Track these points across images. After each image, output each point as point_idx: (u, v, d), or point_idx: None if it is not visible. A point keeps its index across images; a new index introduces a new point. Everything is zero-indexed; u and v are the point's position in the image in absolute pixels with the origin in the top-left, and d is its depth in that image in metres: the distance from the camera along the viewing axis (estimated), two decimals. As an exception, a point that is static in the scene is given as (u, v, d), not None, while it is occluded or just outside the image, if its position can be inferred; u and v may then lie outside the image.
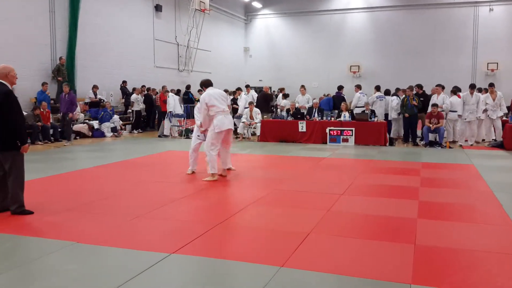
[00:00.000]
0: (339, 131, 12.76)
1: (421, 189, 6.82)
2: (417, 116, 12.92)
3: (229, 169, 7.95)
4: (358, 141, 12.60)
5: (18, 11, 13.48)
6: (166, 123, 15.15)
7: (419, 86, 13.77)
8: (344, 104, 13.85)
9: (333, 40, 26.39)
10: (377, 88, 14.89)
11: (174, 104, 15.03)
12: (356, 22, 26.23)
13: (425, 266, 3.79)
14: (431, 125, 12.34)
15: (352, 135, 12.63)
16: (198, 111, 7.76)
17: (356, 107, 14.45)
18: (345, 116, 13.28)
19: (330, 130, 12.81)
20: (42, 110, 12.91)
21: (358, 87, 15.15)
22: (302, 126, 13.22)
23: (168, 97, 15.14)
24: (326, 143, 12.81)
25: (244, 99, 15.04)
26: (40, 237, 4.47)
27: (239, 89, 16.13)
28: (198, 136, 7.97)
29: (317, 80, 25.93)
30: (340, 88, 16.05)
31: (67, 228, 4.84)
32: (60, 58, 14.68)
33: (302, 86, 15.85)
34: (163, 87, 16.96)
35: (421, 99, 13.23)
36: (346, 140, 12.68)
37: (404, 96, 13.01)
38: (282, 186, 7.08)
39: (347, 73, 25.79)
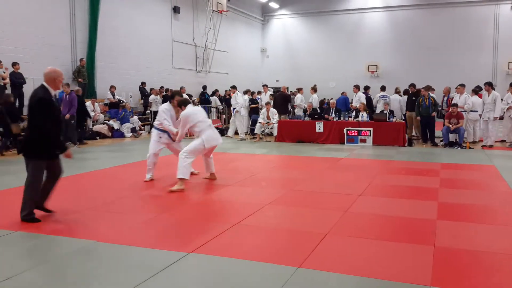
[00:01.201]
0: (356, 132, 12.67)
1: (441, 190, 6.73)
2: (434, 116, 12.74)
3: (212, 173, 7.48)
4: (376, 142, 12.49)
5: (40, 14, 13.75)
6: None
7: (413, 85, 13.75)
8: (361, 104, 13.76)
9: (351, 39, 26.23)
10: (382, 89, 15.10)
11: None
12: (374, 21, 26.02)
13: (444, 268, 3.74)
14: (450, 125, 12.16)
15: (370, 135, 12.53)
16: (166, 117, 7.25)
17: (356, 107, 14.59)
18: (363, 116, 13.18)
19: (347, 130, 12.73)
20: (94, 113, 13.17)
21: (357, 87, 15.19)
22: (319, 126, 13.16)
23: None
24: (343, 143, 12.74)
25: (242, 98, 15.22)
26: (61, 235, 4.55)
27: (234, 87, 15.84)
28: (160, 137, 7.42)
29: (334, 80, 25.80)
30: (367, 88, 15.97)
31: (87, 227, 4.92)
32: (81, 60, 14.94)
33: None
34: (181, 88, 17.09)
35: (413, 98, 13.18)
36: (364, 141, 12.58)
37: (419, 96, 12.88)
38: (299, 186, 7.07)
39: (365, 73, 25.60)
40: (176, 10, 20.23)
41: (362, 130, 12.63)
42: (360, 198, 6.19)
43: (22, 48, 13.10)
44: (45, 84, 4.99)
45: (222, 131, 15.82)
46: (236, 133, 15.09)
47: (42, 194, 5.17)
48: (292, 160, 10.22)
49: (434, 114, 12.60)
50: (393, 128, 12.58)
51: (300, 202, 6.09)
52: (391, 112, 13.17)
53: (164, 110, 7.34)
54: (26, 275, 3.56)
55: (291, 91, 20.89)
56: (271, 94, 16.08)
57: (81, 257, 4.00)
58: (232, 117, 15.16)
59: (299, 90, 16.30)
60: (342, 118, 13.59)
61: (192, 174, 7.34)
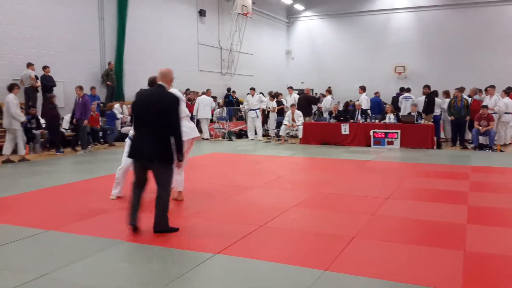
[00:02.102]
0: (383, 134, 12.51)
1: (471, 194, 6.58)
2: (465, 118, 12.45)
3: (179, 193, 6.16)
4: (404, 144, 12.31)
5: (70, 19, 14.11)
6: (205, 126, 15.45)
7: (427, 87, 13.57)
8: (389, 106, 13.60)
9: (377, 40, 25.92)
10: (407, 90, 15.30)
11: (197, 107, 15.26)
12: (401, 22, 25.64)
13: (475, 273, 3.66)
14: (480, 127, 11.88)
15: (397, 137, 12.36)
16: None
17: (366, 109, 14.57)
18: (390, 118, 13.01)
19: (374, 132, 12.59)
20: (92, 113, 13.42)
21: (363, 89, 15.06)
22: (345, 128, 13.06)
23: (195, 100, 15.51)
24: (370, 145, 12.60)
25: (266, 99, 15.49)
26: (92, 235, 4.66)
27: (252, 88, 16.05)
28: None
29: (360, 81, 25.47)
30: (403, 90, 15.80)
31: (115, 227, 5.02)
32: (109, 63, 15.24)
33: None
34: (207, 90, 17.22)
35: (426, 100, 12.97)
36: (391, 143, 12.42)
37: (452, 97, 12.64)
38: (324, 189, 7.03)
39: (392, 74, 25.25)
40: (202, 13, 20.43)
41: (389, 132, 12.47)
42: (387, 201, 6.11)
43: (53, 52, 13.46)
44: (163, 84, 4.71)
45: (246, 133, 15.90)
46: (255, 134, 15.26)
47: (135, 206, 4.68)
48: (318, 162, 10.17)
49: (468, 118, 12.31)
50: (421, 130, 12.38)
51: (326, 205, 6.06)
52: (419, 113, 12.96)
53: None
54: (58, 273, 3.66)
55: (315, 93, 20.82)
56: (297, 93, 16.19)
57: (108, 257, 4.08)
58: (249, 119, 15.25)
59: (329, 90, 16.17)
60: (369, 120, 13.41)
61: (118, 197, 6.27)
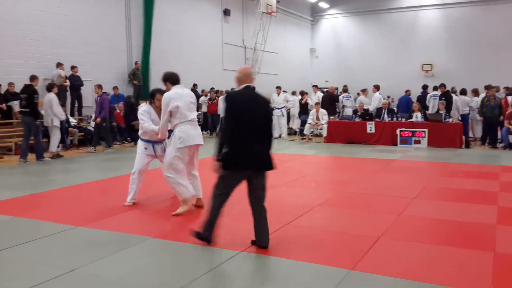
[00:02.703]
0: (410, 133, 12.31)
1: (501, 194, 6.41)
2: (498, 118, 12.12)
3: (199, 199, 5.80)
4: (431, 143, 12.08)
5: (98, 19, 14.39)
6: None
7: (443, 85, 13.30)
8: (416, 105, 13.37)
9: (404, 38, 25.48)
10: (424, 88, 15.51)
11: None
12: (428, 19, 25.15)
13: (506, 275, 3.56)
14: (510, 126, 11.55)
15: (424, 136, 12.14)
16: (145, 115, 5.82)
17: (377, 108, 14.39)
18: (417, 116, 12.79)
19: (400, 131, 12.40)
20: (118, 111, 13.67)
21: (376, 87, 14.91)
22: (370, 127, 12.91)
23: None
24: (396, 144, 12.42)
25: (292, 98, 15.67)
26: (119, 231, 4.74)
27: (278, 87, 16.12)
28: (146, 149, 5.90)
29: (386, 80, 25.16)
30: (425, 87, 15.56)
31: (144, 223, 5.11)
32: (136, 63, 15.48)
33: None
34: (232, 89, 17.28)
35: (443, 99, 12.67)
36: (418, 142, 12.21)
37: (484, 96, 12.37)
38: (350, 188, 6.97)
39: (419, 72, 24.78)
40: (226, 13, 20.52)
41: (416, 131, 12.26)
42: (414, 201, 6.01)
43: (82, 52, 13.76)
44: (252, 85, 4.38)
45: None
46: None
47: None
48: (343, 161, 10.08)
49: (502, 118, 12.00)
50: (449, 129, 12.13)
51: (351, 204, 6.00)
52: (448, 112, 12.70)
53: (142, 112, 5.87)
54: (87, 268, 3.74)
55: (340, 92, 20.61)
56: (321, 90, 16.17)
57: (136, 253, 4.15)
58: (274, 117, 15.26)
59: (363, 91, 15.98)
60: (397, 119, 13.21)
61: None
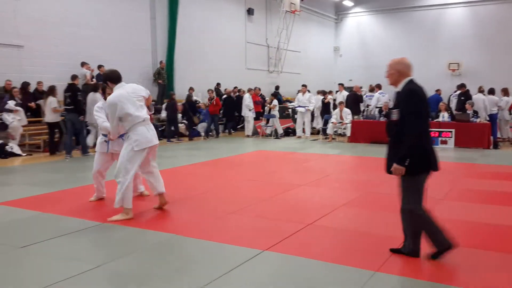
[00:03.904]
0: (437, 133, 12.08)
1: (532, 197, 6.23)
2: None
3: (161, 194, 5.57)
4: (458, 143, 11.84)
5: (123, 19, 14.61)
6: (250, 124, 15.56)
7: (463, 85, 13.02)
8: (442, 104, 13.13)
9: (430, 36, 25.01)
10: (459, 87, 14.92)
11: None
12: (455, 17, 24.63)
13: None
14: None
15: (451, 136, 11.89)
16: (100, 111, 5.74)
17: (376, 107, 14.28)
18: (444, 116, 12.55)
19: (426, 131, 12.17)
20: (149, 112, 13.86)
21: (378, 87, 14.64)
22: (395, 127, 12.71)
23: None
24: (421, 144, 12.19)
25: (315, 98, 15.39)
26: (144, 228, 4.81)
27: (304, 86, 15.89)
28: (106, 142, 5.81)
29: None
30: (461, 86, 15.28)
31: (168, 221, 5.16)
32: (160, 62, 15.66)
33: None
34: (255, 88, 17.31)
35: (462, 98, 12.36)
36: (444, 142, 11.97)
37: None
38: (374, 188, 6.89)
39: (446, 71, 24.29)
40: (250, 12, 20.55)
41: (443, 131, 12.03)
42: (441, 203, 5.90)
43: (107, 51, 13.99)
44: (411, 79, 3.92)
45: (293, 131, 15.85)
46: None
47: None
48: (367, 161, 9.97)
49: None
50: (477, 129, 11.86)
51: (376, 205, 5.93)
52: (475, 112, 12.41)
53: (97, 108, 5.81)
54: (113, 265, 3.80)
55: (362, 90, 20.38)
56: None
57: (162, 250, 4.20)
58: (299, 115, 15.18)
59: (377, 87, 15.83)
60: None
61: (142, 195, 6.22)
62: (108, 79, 5.24)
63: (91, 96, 10.59)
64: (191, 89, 16.66)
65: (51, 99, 10.60)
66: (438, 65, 24.25)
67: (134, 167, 5.10)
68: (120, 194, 5.06)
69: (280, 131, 15.36)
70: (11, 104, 10.54)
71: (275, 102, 15.65)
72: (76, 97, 10.27)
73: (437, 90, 16.17)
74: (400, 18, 26.06)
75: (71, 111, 10.22)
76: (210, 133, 15.33)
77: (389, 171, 3.86)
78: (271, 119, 15.39)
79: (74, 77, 10.72)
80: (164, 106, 15.17)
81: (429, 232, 3.83)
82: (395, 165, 3.72)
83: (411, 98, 3.71)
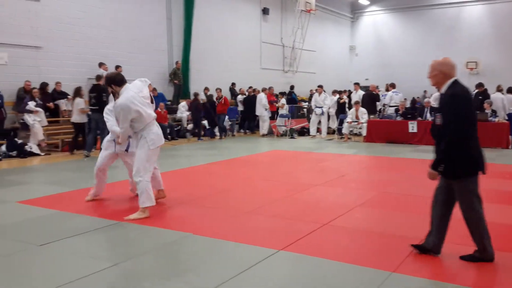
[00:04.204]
0: (453, 132, 11.90)
1: (553, 198, 6.11)
2: None
3: (160, 190, 5.91)
4: (476, 143, 11.65)
5: (140, 20, 14.75)
6: (267, 123, 15.57)
7: (481, 85, 13.01)
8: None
9: (447, 35, 24.70)
10: (477, 86, 14.56)
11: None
12: (473, 15, 24.28)
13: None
14: None
15: (469, 136, 11.71)
16: (111, 115, 5.78)
17: (390, 106, 14.13)
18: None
19: (443, 131, 12.01)
20: (159, 110, 13.96)
21: (392, 86, 14.76)
22: (412, 126, 12.59)
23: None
24: (439, 144, 12.04)
25: (329, 99, 15.25)
26: (159, 227, 4.85)
27: (320, 86, 15.90)
28: (110, 142, 5.91)
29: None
30: (479, 86, 15.08)
31: (183, 220, 5.20)
32: (176, 63, 15.76)
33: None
34: (270, 88, 17.30)
35: (480, 97, 12.15)
36: (461, 142, 11.80)
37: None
38: (390, 188, 6.83)
39: (463, 70, 23.92)
40: (265, 11, 20.54)
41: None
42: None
43: (125, 52, 14.14)
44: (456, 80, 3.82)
45: (308, 131, 15.79)
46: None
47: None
48: (383, 161, 9.89)
49: None
50: (495, 129, 11.65)
51: (392, 205, 5.88)
52: (493, 111, 12.20)
53: (107, 110, 5.92)
54: (129, 263, 3.84)
55: (380, 90, 20.21)
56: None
57: (177, 248, 4.24)
58: (314, 115, 15.14)
59: (392, 86, 15.71)
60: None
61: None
62: (112, 83, 5.22)
63: (111, 96, 10.75)
64: (206, 89, 16.74)
65: (78, 100, 10.82)
66: (456, 64, 23.89)
67: (152, 165, 5.24)
68: (145, 193, 5.13)
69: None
70: (31, 105, 10.73)
71: (283, 101, 15.62)
72: (101, 97, 10.38)
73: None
74: (417, 16, 25.78)
75: (96, 111, 10.32)
76: (217, 134, 15.28)
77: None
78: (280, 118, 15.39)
79: (98, 77, 10.85)
80: (180, 105, 15.32)
81: (480, 237, 3.79)
82: (429, 169, 3.70)
83: (454, 102, 3.62)
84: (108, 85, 5.32)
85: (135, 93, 5.13)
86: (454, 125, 3.57)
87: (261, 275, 3.60)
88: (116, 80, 5.22)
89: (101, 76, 11.07)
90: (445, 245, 4.23)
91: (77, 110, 10.81)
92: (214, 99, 15.15)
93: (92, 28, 13.27)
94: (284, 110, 15.50)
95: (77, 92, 10.89)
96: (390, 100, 14.72)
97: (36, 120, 10.84)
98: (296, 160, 10.20)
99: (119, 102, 5.05)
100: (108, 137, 5.98)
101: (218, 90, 15.22)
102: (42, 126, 11.11)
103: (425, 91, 21.18)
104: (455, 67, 3.83)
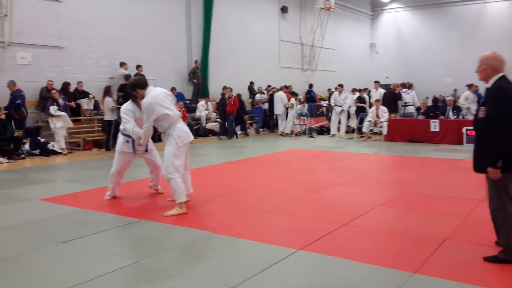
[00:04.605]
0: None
1: None
2: None
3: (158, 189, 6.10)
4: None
5: (160, 20, 14.88)
6: (284, 122, 15.54)
7: None
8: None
9: (470, 32, 24.22)
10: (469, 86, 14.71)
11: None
12: (496, 12, 23.75)
13: None
14: None
15: (492, 135, 11.46)
16: (130, 115, 5.74)
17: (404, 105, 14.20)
18: (485, 114, 12.11)
19: (467, 129, 11.79)
20: (179, 109, 14.05)
21: (403, 85, 14.82)
22: (434, 125, 12.38)
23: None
24: (462, 144, 11.83)
25: (350, 98, 15.22)
26: (179, 225, 4.88)
27: (340, 85, 15.81)
28: (127, 142, 5.89)
29: (450, 75, 24.07)
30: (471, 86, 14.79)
31: (203, 218, 5.22)
32: (195, 62, 15.84)
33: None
34: (289, 86, 17.24)
35: None
36: (485, 141, 11.55)
37: None
38: (412, 188, 6.72)
39: (486, 68, 23.46)
40: (284, 10, 20.48)
41: (483, 130, 11.60)
42: (483, 203, 5.66)
43: (145, 51, 14.28)
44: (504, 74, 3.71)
45: (327, 130, 15.69)
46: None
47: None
48: (404, 161, 9.75)
49: None
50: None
51: (414, 205, 5.78)
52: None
53: (125, 111, 5.78)
54: (150, 261, 3.87)
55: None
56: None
57: (197, 247, 4.25)
58: (334, 114, 15.02)
59: (410, 85, 15.49)
60: (463, 117, 12.60)
61: (157, 192, 6.35)
62: (136, 87, 5.38)
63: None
64: (224, 88, 16.77)
65: (107, 99, 11.04)
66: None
67: (181, 162, 5.28)
68: (178, 189, 5.21)
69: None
70: (52, 111, 10.74)
71: (293, 101, 15.49)
72: (128, 96, 10.52)
73: (475, 87, 15.63)
74: (439, 13, 25.36)
75: None
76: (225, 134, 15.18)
77: (476, 169, 3.79)
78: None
79: (127, 77, 11.14)
80: (199, 104, 15.38)
81: (506, 235, 3.68)
82: (489, 169, 3.59)
83: (499, 97, 3.56)
84: (133, 90, 5.44)
85: (160, 93, 5.27)
86: (497, 120, 3.51)
87: (281, 274, 3.58)
88: (139, 84, 5.39)
89: (129, 76, 11.27)
90: (468, 246, 4.15)
91: (107, 109, 11.03)
92: (226, 98, 14.65)
93: (113, 28, 13.44)
94: (293, 111, 15.38)
95: (107, 91, 11.09)
96: (413, 99, 14.48)
97: (57, 126, 10.77)
98: (315, 159, 10.14)
99: (145, 101, 5.19)
100: (121, 139, 5.92)
101: (228, 89, 14.73)
102: (68, 128, 11.22)
103: (455, 90, 20.75)
104: (505, 62, 3.74)
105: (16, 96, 10.61)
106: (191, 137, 5.45)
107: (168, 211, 5.26)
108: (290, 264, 3.78)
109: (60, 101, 11.08)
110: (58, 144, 10.88)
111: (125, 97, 10.57)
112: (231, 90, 14.68)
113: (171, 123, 5.23)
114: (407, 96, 14.50)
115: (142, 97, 5.33)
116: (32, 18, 11.60)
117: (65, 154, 10.76)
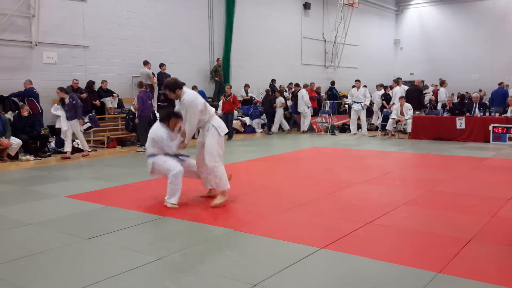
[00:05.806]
0: (504, 129, 11.37)
1: None
2: None
3: (213, 189, 5.95)
4: (529, 140, 11.08)
5: (183, 19, 14.99)
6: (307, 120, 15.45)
7: None
8: (511, 99, 12.33)
9: (497, 27, 23.58)
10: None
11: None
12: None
13: None
14: None
15: (521, 133, 11.15)
16: (166, 144, 5.60)
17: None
18: (513, 111, 11.80)
19: (493, 127, 11.50)
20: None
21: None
22: (460, 122, 12.12)
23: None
24: (489, 141, 11.55)
25: (374, 93, 15.19)
26: (203, 223, 4.90)
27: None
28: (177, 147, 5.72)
29: (478, 71, 23.51)
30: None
31: (225, 216, 5.23)
32: (217, 60, 15.90)
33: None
34: (311, 83, 17.13)
35: None
36: (513, 139, 11.25)
37: None
38: (437, 187, 6.60)
39: (515, 63, 22.83)
40: (306, 6, 20.35)
41: (511, 127, 11.30)
42: (510, 202, 5.54)
43: (168, 50, 14.42)
44: None
45: (349, 128, 15.53)
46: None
47: None
48: (429, 159, 9.57)
49: None
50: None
51: (439, 204, 5.67)
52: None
53: (158, 138, 5.60)
54: (173, 257, 3.90)
55: (425, 85, 19.59)
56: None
57: (219, 244, 4.26)
58: (353, 111, 14.87)
59: (443, 82, 15.19)
60: (490, 114, 12.28)
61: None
62: (176, 87, 5.52)
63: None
64: (246, 86, 16.81)
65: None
66: (506, 57, 22.81)
67: (223, 150, 5.61)
68: (223, 178, 5.49)
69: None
70: (52, 110, 10.61)
71: (281, 100, 15.28)
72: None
73: (500, 84, 15.22)
74: (465, 8, 24.77)
75: (165, 107, 10.20)
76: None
77: None
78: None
79: (168, 77, 11.13)
80: (220, 102, 15.40)
81: None
82: None
83: None
84: (173, 91, 5.53)
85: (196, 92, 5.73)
86: None
87: (303, 272, 3.56)
88: (179, 84, 5.58)
89: (170, 76, 11.31)
90: (495, 246, 4.05)
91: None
92: (223, 96, 13.74)
93: (136, 28, 13.61)
94: (280, 110, 15.24)
95: (140, 86, 10.99)
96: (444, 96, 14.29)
97: (64, 129, 10.08)
98: (337, 157, 10.06)
99: (188, 99, 5.44)
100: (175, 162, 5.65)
101: (228, 86, 13.90)
102: (94, 129, 11.31)
103: (480, 90, 20.28)
104: None
105: (27, 92, 10.70)
106: (227, 129, 5.78)
107: (213, 201, 5.52)
108: (312, 263, 3.76)
109: (67, 100, 10.05)
110: (65, 146, 10.17)
111: (166, 95, 10.35)
112: (230, 87, 13.88)
113: (211, 116, 5.60)
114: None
115: (178, 97, 5.56)
116: (58, 18, 11.84)
117: (68, 158, 9.97)
